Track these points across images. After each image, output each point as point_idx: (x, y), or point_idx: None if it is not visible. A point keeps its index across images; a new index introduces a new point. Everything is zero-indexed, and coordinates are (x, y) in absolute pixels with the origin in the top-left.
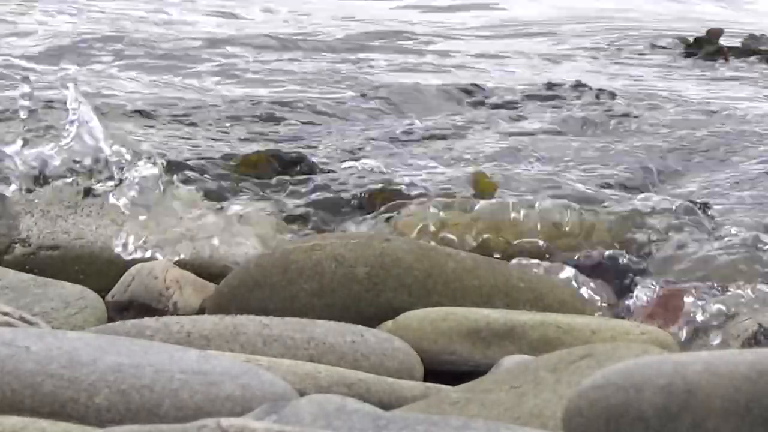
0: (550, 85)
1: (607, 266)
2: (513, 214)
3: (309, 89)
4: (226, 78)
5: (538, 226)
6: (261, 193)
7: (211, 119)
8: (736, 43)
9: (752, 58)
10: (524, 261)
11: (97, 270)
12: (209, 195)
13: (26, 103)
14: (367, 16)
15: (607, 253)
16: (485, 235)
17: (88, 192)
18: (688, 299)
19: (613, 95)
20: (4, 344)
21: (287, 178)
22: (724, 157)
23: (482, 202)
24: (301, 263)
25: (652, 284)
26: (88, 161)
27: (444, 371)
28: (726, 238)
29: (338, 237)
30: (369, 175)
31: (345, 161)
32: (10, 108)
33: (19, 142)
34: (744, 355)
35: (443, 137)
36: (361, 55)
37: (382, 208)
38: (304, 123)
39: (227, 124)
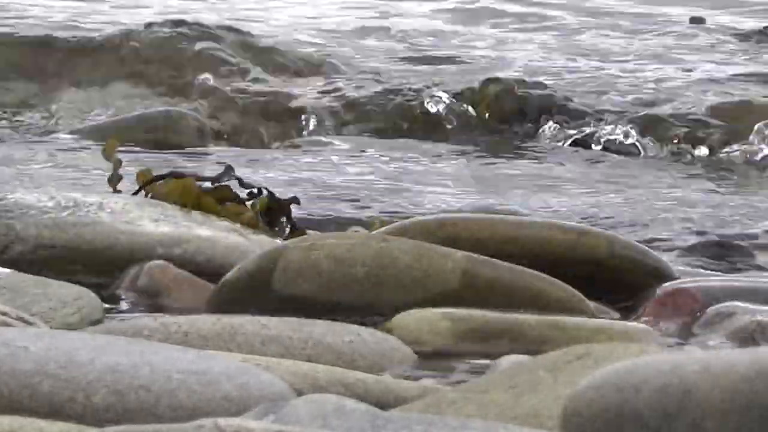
0: None
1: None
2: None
3: None
4: None
5: None
6: None
7: None
8: None
9: None
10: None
11: (95, 270)
12: None
13: None
14: None
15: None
16: None
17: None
18: (687, 299)
19: None
20: (2, 344)
21: None
22: None
23: None
24: (299, 263)
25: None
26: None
27: (442, 371)
28: None
29: (336, 237)
30: None
31: None
32: None
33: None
34: (742, 354)
35: None
36: None
37: None
38: None
39: None
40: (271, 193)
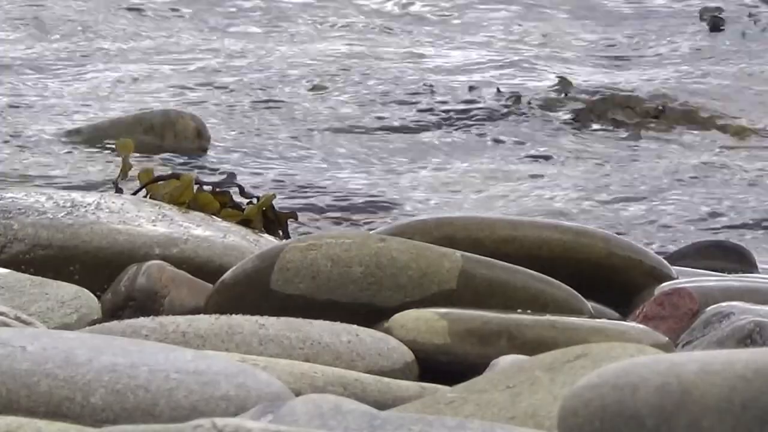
0: None
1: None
2: None
3: None
4: None
5: None
6: None
7: None
8: None
9: None
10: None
11: (93, 269)
12: None
13: None
14: None
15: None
16: None
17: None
18: (685, 299)
19: None
20: (0, 344)
21: None
22: None
23: None
24: (296, 263)
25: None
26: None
27: (440, 371)
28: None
29: (333, 237)
30: None
31: None
32: None
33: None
34: (739, 354)
35: None
36: None
37: None
38: None
39: None
40: (270, 205)
